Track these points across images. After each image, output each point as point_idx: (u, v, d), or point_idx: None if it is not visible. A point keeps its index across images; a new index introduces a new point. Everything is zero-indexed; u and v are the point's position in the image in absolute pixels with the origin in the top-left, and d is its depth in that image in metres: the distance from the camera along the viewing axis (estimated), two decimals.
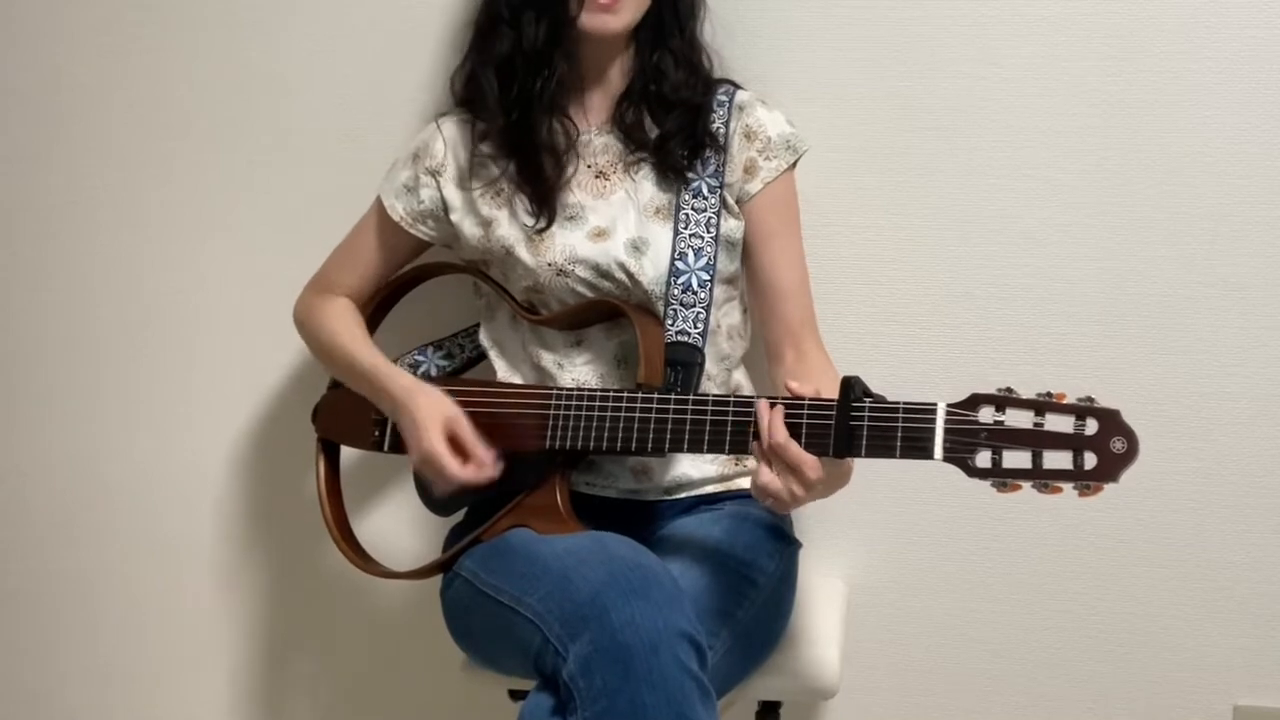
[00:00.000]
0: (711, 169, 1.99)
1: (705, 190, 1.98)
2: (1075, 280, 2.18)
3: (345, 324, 2.08)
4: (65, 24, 2.34)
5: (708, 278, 1.95)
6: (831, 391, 1.71)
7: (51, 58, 2.35)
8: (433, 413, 1.91)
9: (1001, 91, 2.15)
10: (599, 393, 1.88)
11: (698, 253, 1.95)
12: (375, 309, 2.16)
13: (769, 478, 1.69)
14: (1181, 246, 2.15)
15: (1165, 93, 2.11)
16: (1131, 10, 2.11)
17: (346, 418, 2.12)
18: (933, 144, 2.17)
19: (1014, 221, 2.18)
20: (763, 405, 1.72)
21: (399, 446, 2.04)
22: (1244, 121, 2.11)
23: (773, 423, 1.70)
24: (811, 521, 2.15)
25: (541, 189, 1.96)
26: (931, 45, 2.15)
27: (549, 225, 1.96)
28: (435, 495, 1.98)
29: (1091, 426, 1.58)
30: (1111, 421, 1.58)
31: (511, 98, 1.94)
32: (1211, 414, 2.17)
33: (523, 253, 1.97)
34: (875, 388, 1.71)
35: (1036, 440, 1.59)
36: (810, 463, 1.68)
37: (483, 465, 1.90)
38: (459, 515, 2.08)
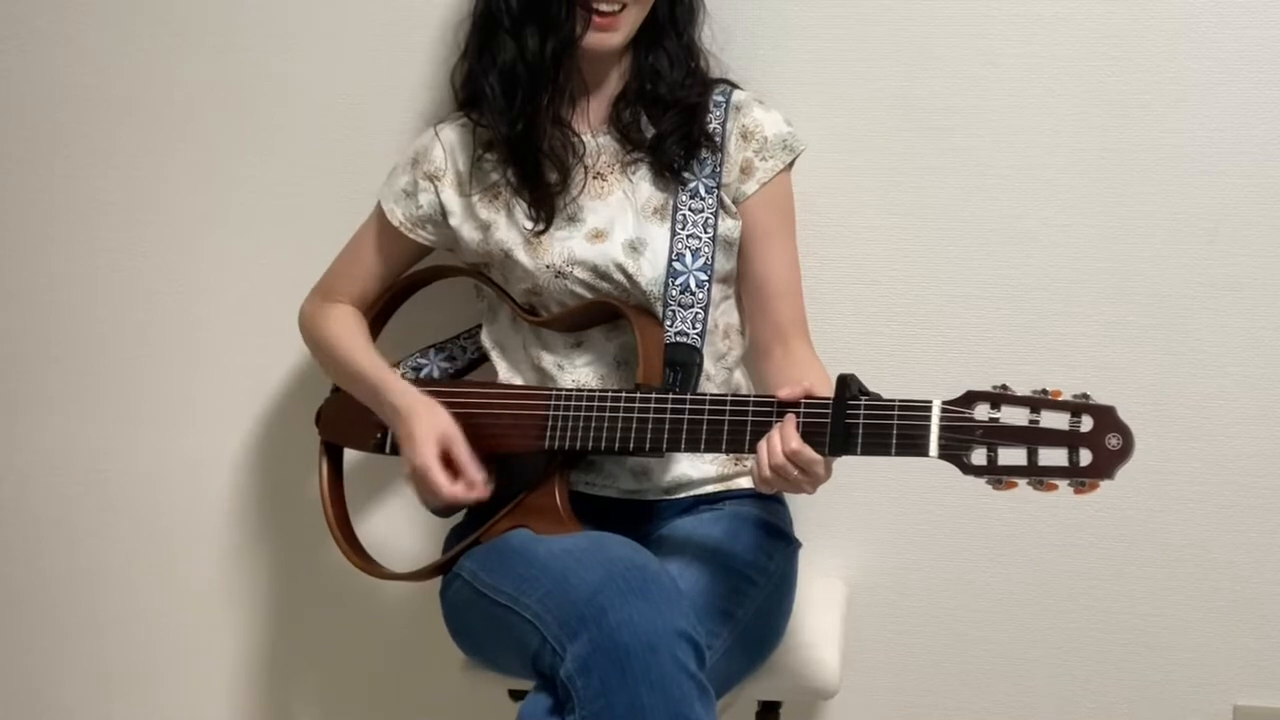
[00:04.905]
0: (708, 169, 1.98)
1: (702, 190, 1.98)
2: (1075, 280, 2.18)
3: (348, 331, 2.08)
4: (65, 24, 2.34)
5: (705, 278, 1.95)
6: (820, 386, 1.73)
7: (51, 58, 2.35)
8: (429, 428, 1.91)
9: (1001, 91, 2.15)
10: (598, 393, 1.88)
11: (695, 253, 1.95)
12: (379, 313, 2.16)
13: (772, 476, 1.71)
14: (1181, 246, 2.15)
15: (1165, 93, 2.11)
16: (1131, 10, 2.11)
17: (349, 420, 2.12)
18: (933, 144, 2.17)
19: (1014, 221, 2.18)
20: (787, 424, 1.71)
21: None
22: (1244, 121, 2.11)
23: (786, 431, 1.70)
24: (811, 521, 2.14)
25: (541, 194, 1.96)
26: (931, 45, 2.15)
27: (547, 227, 1.96)
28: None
29: (1087, 423, 1.58)
30: (1107, 418, 1.58)
31: (516, 107, 1.94)
32: (1211, 414, 2.17)
33: (521, 255, 1.97)
34: (875, 388, 1.72)
35: (1032, 437, 1.59)
36: (820, 462, 1.70)
37: (472, 485, 1.91)
38: (459, 516, 2.08)
